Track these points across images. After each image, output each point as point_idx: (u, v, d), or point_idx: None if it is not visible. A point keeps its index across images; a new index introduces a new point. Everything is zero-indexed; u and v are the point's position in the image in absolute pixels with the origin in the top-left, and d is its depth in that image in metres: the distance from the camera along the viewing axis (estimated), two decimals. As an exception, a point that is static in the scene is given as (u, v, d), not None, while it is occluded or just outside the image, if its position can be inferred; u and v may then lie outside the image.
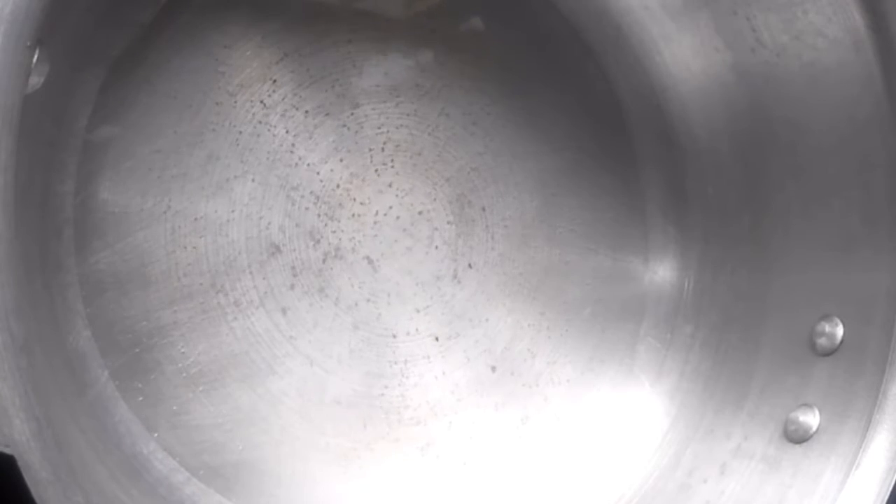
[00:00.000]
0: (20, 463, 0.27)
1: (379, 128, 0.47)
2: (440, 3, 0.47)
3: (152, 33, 0.43)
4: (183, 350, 0.44)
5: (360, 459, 0.46)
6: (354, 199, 0.46)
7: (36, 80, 0.31)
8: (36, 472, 0.27)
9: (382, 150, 0.47)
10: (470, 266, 0.48)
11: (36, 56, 0.29)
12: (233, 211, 0.45)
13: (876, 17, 0.35)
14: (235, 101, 0.44)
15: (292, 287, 0.45)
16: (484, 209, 0.48)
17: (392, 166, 0.47)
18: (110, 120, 0.42)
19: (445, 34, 0.48)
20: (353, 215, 0.46)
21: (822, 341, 0.39)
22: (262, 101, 0.45)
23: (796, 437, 0.39)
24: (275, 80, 0.45)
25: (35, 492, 0.27)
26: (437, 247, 0.47)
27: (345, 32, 0.46)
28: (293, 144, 0.46)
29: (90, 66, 0.41)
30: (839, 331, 0.38)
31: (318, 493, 0.46)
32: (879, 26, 0.35)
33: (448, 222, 0.48)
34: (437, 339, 0.48)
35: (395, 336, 0.47)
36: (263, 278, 0.45)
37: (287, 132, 0.45)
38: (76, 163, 0.41)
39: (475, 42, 0.48)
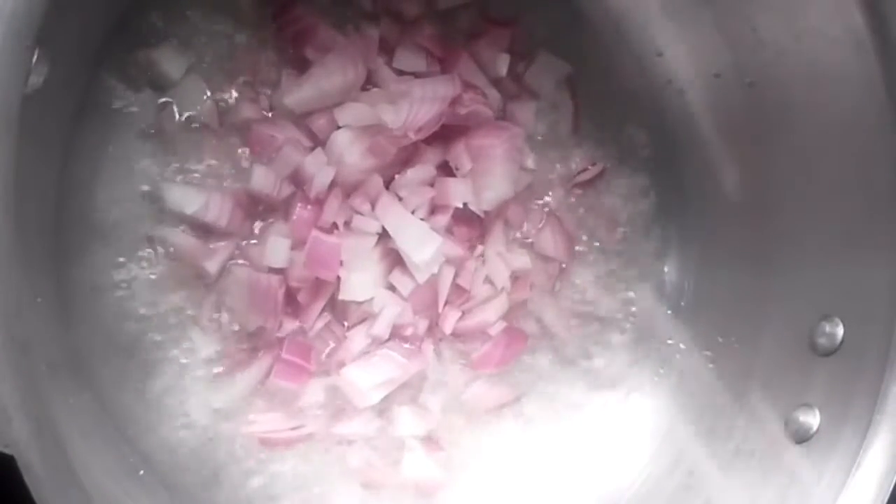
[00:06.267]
0: (20, 463, 0.27)
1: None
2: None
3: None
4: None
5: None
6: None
7: (36, 80, 0.31)
8: (36, 472, 0.27)
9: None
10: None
11: (36, 56, 0.29)
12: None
13: (876, 18, 0.35)
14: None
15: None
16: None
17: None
18: (109, 120, 0.42)
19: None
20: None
21: (822, 341, 0.39)
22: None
23: (796, 437, 0.39)
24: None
25: (35, 492, 0.27)
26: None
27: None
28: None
29: (90, 66, 0.41)
30: (839, 331, 0.38)
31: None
32: (879, 26, 0.35)
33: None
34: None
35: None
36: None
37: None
38: (75, 163, 0.41)
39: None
